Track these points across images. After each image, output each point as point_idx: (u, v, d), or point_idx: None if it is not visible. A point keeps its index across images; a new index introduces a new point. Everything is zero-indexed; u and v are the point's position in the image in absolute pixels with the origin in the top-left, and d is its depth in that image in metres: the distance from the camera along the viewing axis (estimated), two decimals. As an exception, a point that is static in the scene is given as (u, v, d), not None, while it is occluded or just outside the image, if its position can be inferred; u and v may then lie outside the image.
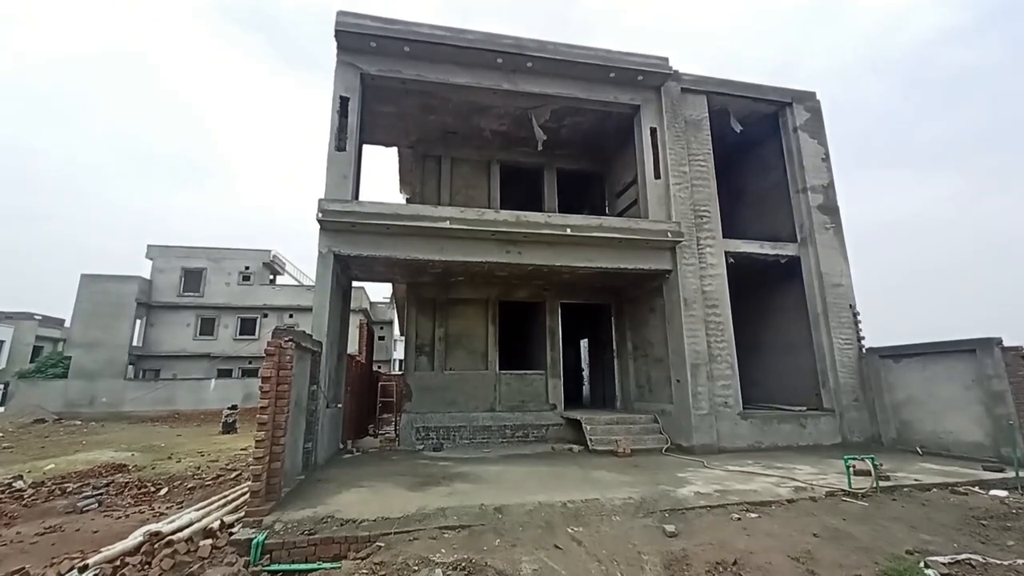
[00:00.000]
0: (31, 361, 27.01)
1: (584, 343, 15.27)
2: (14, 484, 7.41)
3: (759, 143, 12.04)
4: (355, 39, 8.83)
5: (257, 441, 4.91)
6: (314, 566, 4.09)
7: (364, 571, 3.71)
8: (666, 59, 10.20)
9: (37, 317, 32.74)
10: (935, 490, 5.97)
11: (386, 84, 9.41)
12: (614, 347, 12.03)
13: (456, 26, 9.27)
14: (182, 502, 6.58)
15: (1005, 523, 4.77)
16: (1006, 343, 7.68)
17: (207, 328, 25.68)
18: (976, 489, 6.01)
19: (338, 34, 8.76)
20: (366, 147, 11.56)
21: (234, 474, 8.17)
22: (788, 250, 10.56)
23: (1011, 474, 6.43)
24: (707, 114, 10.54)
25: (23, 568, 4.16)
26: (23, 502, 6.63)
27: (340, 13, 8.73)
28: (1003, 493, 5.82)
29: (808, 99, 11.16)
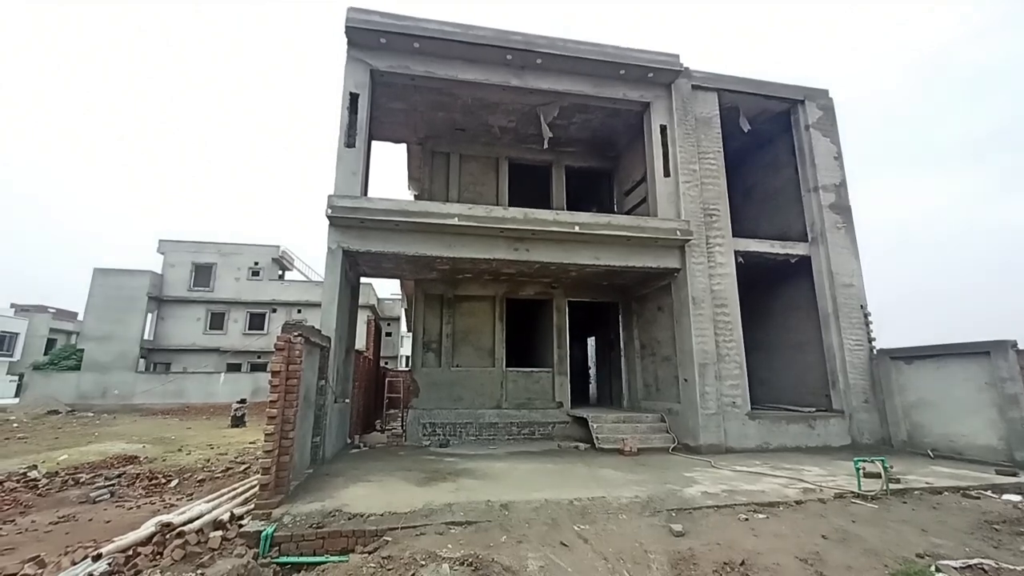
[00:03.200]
0: (45, 353, 27.50)
1: (591, 341, 15.25)
2: (29, 474, 7.55)
3: (770, 141, 11.92)
4: (365, 35, 8.84)
5: (266, 435, 4.95)
6: (322, 559, 4.12)
7: (371, 565, 3.74)
8: (677, 56, 10.10)
9: (51, 310, 33.31)
10: (946, 493, 5.89)
11: (396, 80, 9.43)
12: (621, 345, 11.99)
13: (466, 22, 9.23)
14: (192, 494, 6.66)
15: (1018, 528, 4.70)
16: (1021, 346, 7.57)
17: (217, 322, 25.96)
18: (989, 493, 5.93)
19: (348, 30, 8.78)
20: (375, 143, 11.59)
21: (243, 467, 8.26)
22: (799, 249, 10.45)
23: (1025, 478, 6.35)
24: (718, 111, 10.44)
25: (38, 556, 4.23)
26: (38, 491, 6.76)
27: (351, 9, 8.74)
28: (1016, 498, 5.73)
29: (821, 96, 11.01)
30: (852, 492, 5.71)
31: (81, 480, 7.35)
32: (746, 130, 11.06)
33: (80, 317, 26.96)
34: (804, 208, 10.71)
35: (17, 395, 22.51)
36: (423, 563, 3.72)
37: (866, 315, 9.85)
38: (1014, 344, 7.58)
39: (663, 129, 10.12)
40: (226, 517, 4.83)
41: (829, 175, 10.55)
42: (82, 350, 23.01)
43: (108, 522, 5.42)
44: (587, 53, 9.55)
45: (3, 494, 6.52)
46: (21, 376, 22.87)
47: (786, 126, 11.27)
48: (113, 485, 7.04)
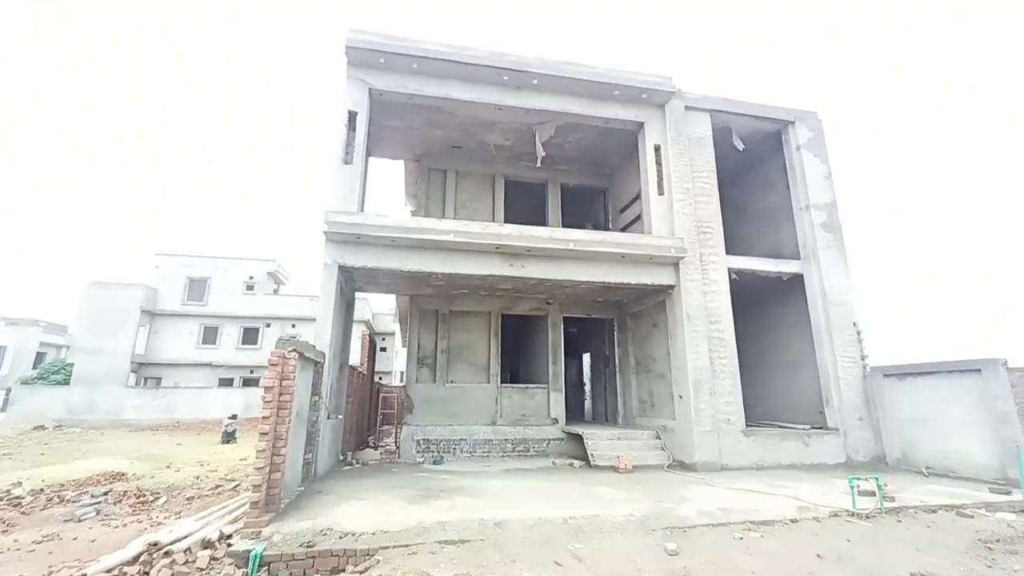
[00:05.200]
0: (34, 367, 27.06)
1: (586, 357, 15.22)
2: (13, 491, 7.38)
3: (762, 160, 12.14)
4: (365, 55, 9.02)
5: (258, 451, 4.91)
6: (312, 579, 4.06)
7: (362, 585, 3.68)
8: (669, 78, 10.34)
9: (41, 323, 32.88)
10: (941, 512, 5.89)
11: (394, 99, 9.58)
12: (616, 362, 12.00)
13: (463, 43, 9.43)
14: (180, 512, 6.54)
15: (1012, 547, 4.70)
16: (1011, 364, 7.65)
17: (210, 337, 25.71)
18: (982, 511, 5.93)
19: (348, 50, 8.95)
20: (372, 159, 11.71)
21: (233, 484, 8.12)
22: (791, 267, 10.57)
23: (1018, 496, 6.36)
24: (711, 132, 10.65)
25: (20, 576, 4.14)
26: (21, 509, 6.61)
27: (351, 30, 8.93)
28: (1010, 516, 5.74)
29: (810, 118, 11.26)
30: (847, 510, 5.70)
31: (66, 498, 7.19)
32: (741, 149, 11.28)
33: (71, 330, 26.65)
34: (796, 226, 10.86)
35: (3, 410, 22.08)
36: (415, 583, 3.68)
37: (859, 332, 9.93)
38: (1005, 362, 7.66)
39: (657, 148, 10.30)
40: (215, 536, 4.76)
41: (820, 194, 10.73)
42: (71, 364, 22.69)
43: (93, 541, 5.30)
44: (581, 74, 9.76)
45: (-14, 512, 6.37)
46: (8, 391, 22.46)
47: (777, 146, 11.49)
48: (99, 503, 6.90)
